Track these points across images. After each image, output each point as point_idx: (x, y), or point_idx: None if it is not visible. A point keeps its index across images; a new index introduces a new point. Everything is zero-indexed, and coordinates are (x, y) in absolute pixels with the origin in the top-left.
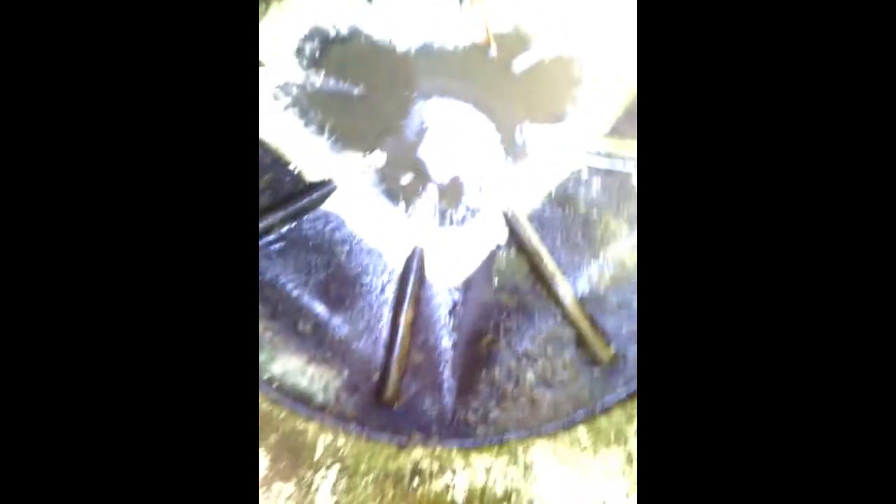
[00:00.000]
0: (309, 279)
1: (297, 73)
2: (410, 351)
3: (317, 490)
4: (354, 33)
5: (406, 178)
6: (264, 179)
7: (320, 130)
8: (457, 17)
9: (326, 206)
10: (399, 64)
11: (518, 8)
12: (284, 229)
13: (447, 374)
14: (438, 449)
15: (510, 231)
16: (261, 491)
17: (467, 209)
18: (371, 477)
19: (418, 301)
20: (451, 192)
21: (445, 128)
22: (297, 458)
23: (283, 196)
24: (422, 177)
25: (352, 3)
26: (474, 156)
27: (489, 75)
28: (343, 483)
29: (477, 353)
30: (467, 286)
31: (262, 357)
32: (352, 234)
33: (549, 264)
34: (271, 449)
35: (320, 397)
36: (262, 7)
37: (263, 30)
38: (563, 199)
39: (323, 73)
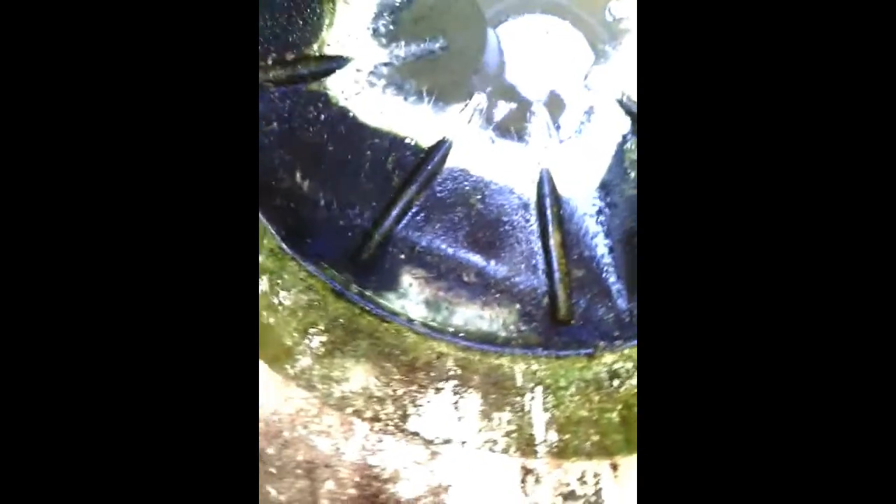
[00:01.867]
0: (458, 234)
1: (380, 53)
2: (569, 269)
3: (529, 410)
4: None
5: (506, 110)
6: (389, 161)
7: (419, 97)
8: None
9: (449, 164)
10: (465, 3)
11: None
12: (421, 199)
13: (613, 279)
14: (627, 349)
15: (630, 116)
16: (482, 422)
17: (581, 113)
18: (573, 389)
19: (561, 221)
20: (557, 104)
21: (524, 46)
22: (502, 388)
23: (410, 170)
24: (522, 102)
25: None
26: (563, 60)
27: None
28: (550, 399)
29: (635, 249)
30: (605, 188)
31: (442, 315)
32: (480, 181)
33: None
34: (478, 387)
35: (503, 334)
36: (328, 9)
37: (338, 28)
38: None
39: (403, 43)
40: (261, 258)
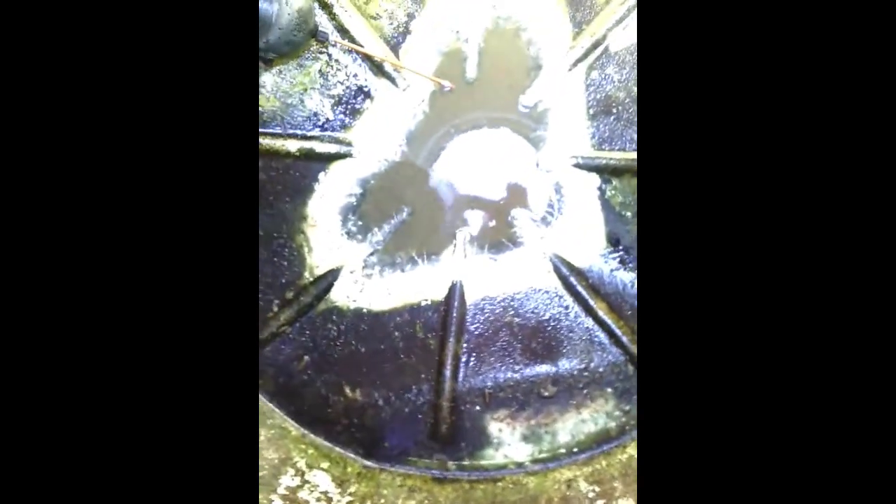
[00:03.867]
0: (514, 356)
1: (363, 248)
2: (630, 324)
3: None
4: (378, 175)
5: (488, 228)
6: (418, 330)
7: (412, 262)
8: (401, 97)
9: (470, 301)
10: (405, 169)
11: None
12: (464, 346)
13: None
14: None
15: (594, 170)
16: None
17: (553, 192)
18: None
19: (596, 289)
20: (522, 197)
21: (474, 157)
22: None
23: (440, 326)
24: (497, 211)
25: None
26: (512, 159)
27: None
28: None
29: None
30: (613, 238)
31: (547, 441)
32: (505, 299)
33: None
34: (626, 490)
35: (613, 424)
36: (301, 239)
37: (317, 249)
38: None
39: (376, 230)
40: (353, 487)
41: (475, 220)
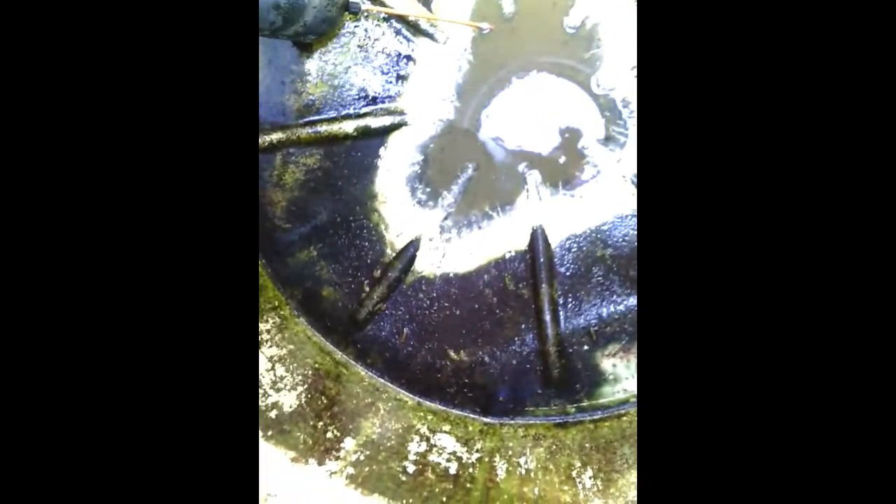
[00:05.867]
0: (612, 287)
1: (436, 214)
2: None
3: None
4: (436, 137)
5: (559, 164)
6: (508, 281)
7: (487, 217)
8: (443, 52)
9: (554, 242)
10: (461, 124)
11: None
12: (558, 287)
13: None
14: None
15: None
16: None
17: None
18: None
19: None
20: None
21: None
22: None
23: (529, 273)
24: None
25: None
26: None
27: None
28: None
29: None
30: None
31: None
32: (593, 232)
33: None
34: None
35: None
36: (376, 218)
37: (393, 224)
38: None
39: (445, 192)
40: (479, 444)
41: (543, 160)
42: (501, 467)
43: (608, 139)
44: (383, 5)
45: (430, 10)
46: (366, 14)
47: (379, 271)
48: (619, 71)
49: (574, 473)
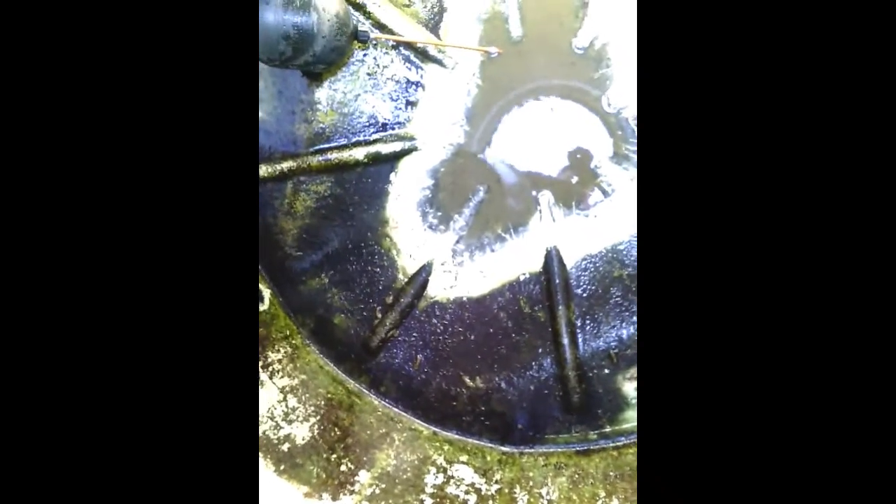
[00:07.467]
0: (632, 307)
1: (448, 238)
2: None
3: None
4: (446, 161)
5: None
6: (523, 304)
7: (500, 239)
8: (452, 77)
9: (569, 263)
10: (469, 151)
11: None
12: (576, 309)
13: None
14: None
15: None
16: None
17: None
18: None
19: None
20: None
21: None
22: None
23: (545, 296)
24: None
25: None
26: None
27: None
28: None
29: None
30: None
31: None
32: (609, 252)
33: None
34: None
35: None
36: (387, 244)
37: (405, 248)
38: None
39: (456, 216)
40: (498, 475)
41: (555, 181)
42: (522, 499)
43: (621, 158)
44: (392, 33)
45: (438, 36)
46: (374, 42)
47: (391, 297)
48: (629, 90)
49: None
